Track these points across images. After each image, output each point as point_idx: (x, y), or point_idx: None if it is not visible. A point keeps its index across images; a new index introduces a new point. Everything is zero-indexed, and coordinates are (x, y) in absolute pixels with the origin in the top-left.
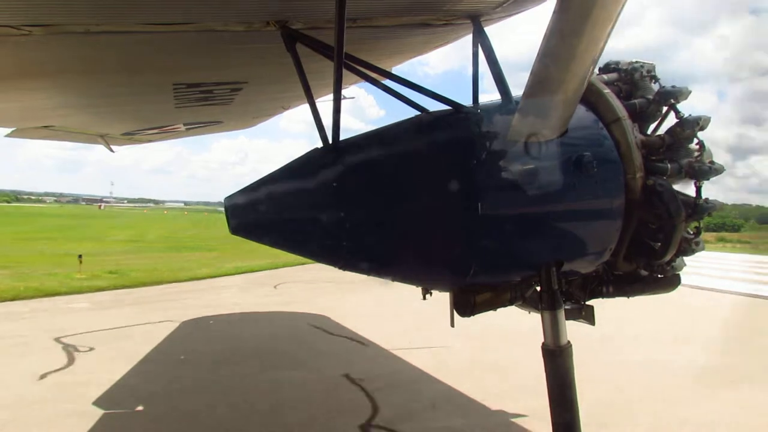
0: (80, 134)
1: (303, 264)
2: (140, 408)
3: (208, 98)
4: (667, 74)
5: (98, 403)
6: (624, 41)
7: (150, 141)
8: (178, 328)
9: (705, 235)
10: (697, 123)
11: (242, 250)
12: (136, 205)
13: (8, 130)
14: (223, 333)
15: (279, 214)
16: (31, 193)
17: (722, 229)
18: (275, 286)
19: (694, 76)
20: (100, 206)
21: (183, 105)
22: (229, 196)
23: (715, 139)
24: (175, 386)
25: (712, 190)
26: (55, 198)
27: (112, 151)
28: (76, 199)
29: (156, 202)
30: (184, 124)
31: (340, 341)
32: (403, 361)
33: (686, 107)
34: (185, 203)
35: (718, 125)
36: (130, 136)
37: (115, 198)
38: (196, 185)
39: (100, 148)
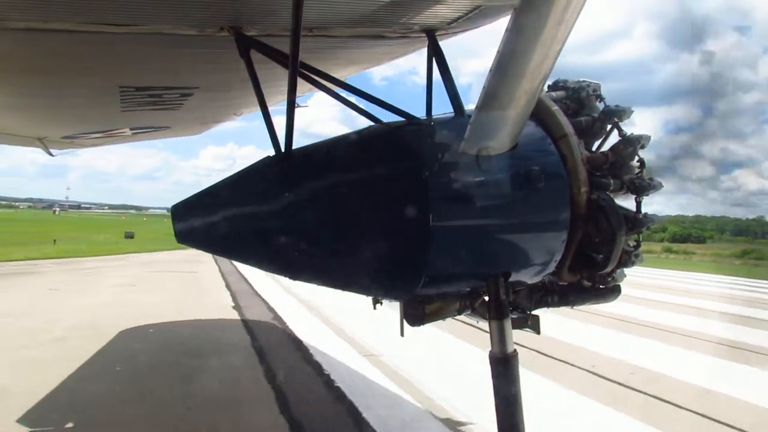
0: (15, 137)
1: None
2: None
3: (156, 102)
4: (652, 88)
5: None
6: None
7: (93, 145)
8: None
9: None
10: (639, 141)
11: None
12: (117, 211)
13: None
14: None
15: (225, 223)
16: (8, 198)
17: (688, 240)
18: None
19: (678, 90)
20: (54, 211)
21: (130, 109)
22: (176, 204)
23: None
24: None
25: (696, 202)
26: (31, 204)
27: (51, 155)
28: (51, 205)
29: (138, 208)
30: (131, 129)
31: None
32: None
33: (665, 121)
34: (168, 210)
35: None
36: (71, 140)
37: (95, 204)
38: (182, 192)
39: (86, 155)
